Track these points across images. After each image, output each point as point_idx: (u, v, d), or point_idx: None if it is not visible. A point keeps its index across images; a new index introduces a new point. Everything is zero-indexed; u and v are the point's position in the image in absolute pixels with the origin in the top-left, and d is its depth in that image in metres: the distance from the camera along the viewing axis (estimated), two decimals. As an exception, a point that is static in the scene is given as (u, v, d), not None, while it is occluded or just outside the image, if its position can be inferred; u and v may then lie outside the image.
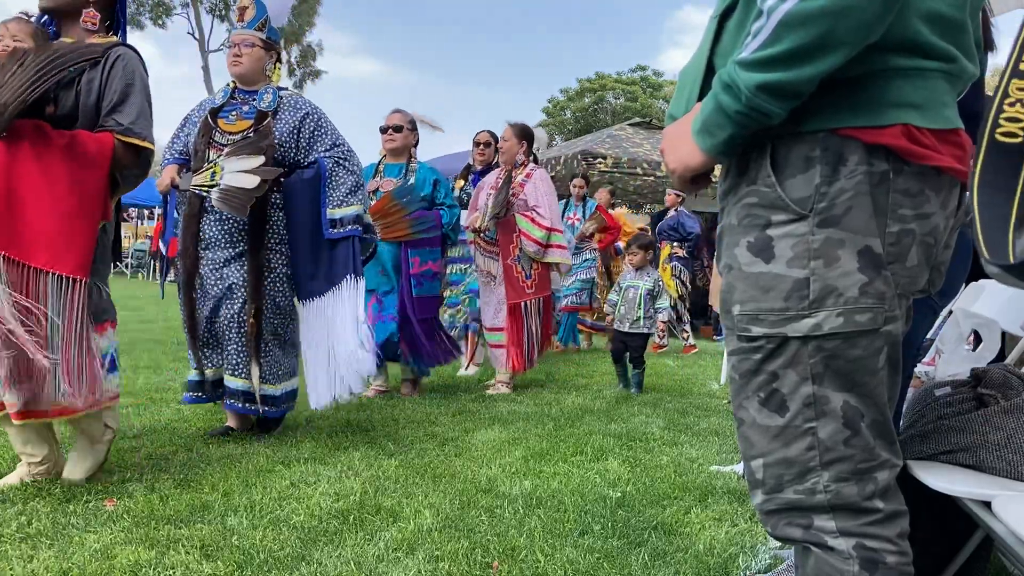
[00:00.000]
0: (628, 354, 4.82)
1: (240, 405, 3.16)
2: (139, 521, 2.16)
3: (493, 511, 2.34)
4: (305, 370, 3.18)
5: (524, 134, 4.71)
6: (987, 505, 1.35)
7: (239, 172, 2.96)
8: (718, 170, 1.19)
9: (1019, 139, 0.78)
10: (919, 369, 2.49)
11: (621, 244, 7.44)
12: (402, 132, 4.33)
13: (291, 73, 29.60)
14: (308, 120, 3.22)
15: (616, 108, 34.93)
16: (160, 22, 27.87)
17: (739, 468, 2.87)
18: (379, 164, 4.42)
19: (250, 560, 1.92)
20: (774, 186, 1.04)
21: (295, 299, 3.25)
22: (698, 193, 10.19)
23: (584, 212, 6.93)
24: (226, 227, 3.10)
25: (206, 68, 28.95)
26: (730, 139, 1.03)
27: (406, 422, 3.60)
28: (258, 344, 3.11)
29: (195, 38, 29.04)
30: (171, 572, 1.84)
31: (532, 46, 75.61)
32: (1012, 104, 0.79)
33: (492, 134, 5.19)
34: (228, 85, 3.31)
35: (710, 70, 1.12)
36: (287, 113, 3.21)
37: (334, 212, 3.16)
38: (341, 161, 3.22)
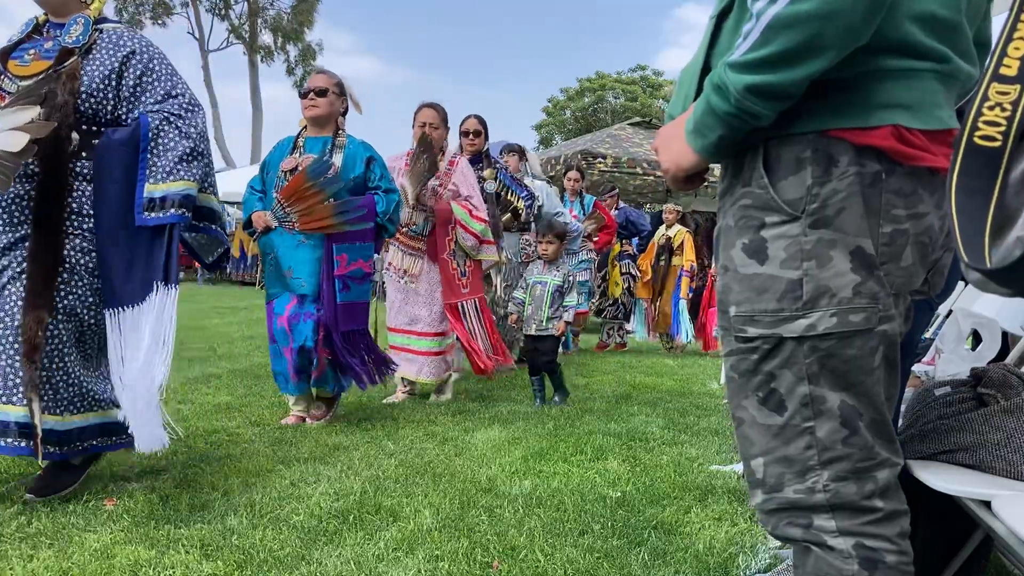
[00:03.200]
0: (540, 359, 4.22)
1: (12, 444, 2.20)
2: (139, 521, 2.16)
3: (493, 511, 2.34)
4: (121, 402, 2.32)
5: (446, 118, 4.22)
6: (987, 505, 1.35)
7: (9, 131, 2.16)
8: (717, 169, 1.19)
9: (997, 143, 0.78)
10: (919, 369, 2.49)
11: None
12: (327, 97, 3.47)
13: (290, 72, 29.63)
14: (134, 61, 2.36)
15: (616, 108, 34.93)
16: (160, 21, 27.89)
17: (739, 467, 2.87)
18: (297, 137, 3.57)
19: (250, 560, 1.92)
20: (767, 187, 1.04)
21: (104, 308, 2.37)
22: (697, 193, 10.20)
23: (582, 208, 6.51)
24: (4, 205, 2.30)
25: (206, 68, 29.00)
26: (720, 140, 1.04)
27: (406, 422, 3.60)
28: (35, 358, 2.22)
29: (195, 38, 29.08)
30: (171, 572, 1.84)
31: (532, 46, 75.73)
32: (991, 107, 0.79)
33: (481, 120, 4.83)
34: (34, 18, 2.48)
35: (707, 70, 1.13)
36: (104, 52, 2.35)
37: (154, 189, 2.30)
38: (173, 118, 2.35)
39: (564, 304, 4.22)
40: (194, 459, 2.80)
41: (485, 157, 4.86)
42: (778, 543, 2.08)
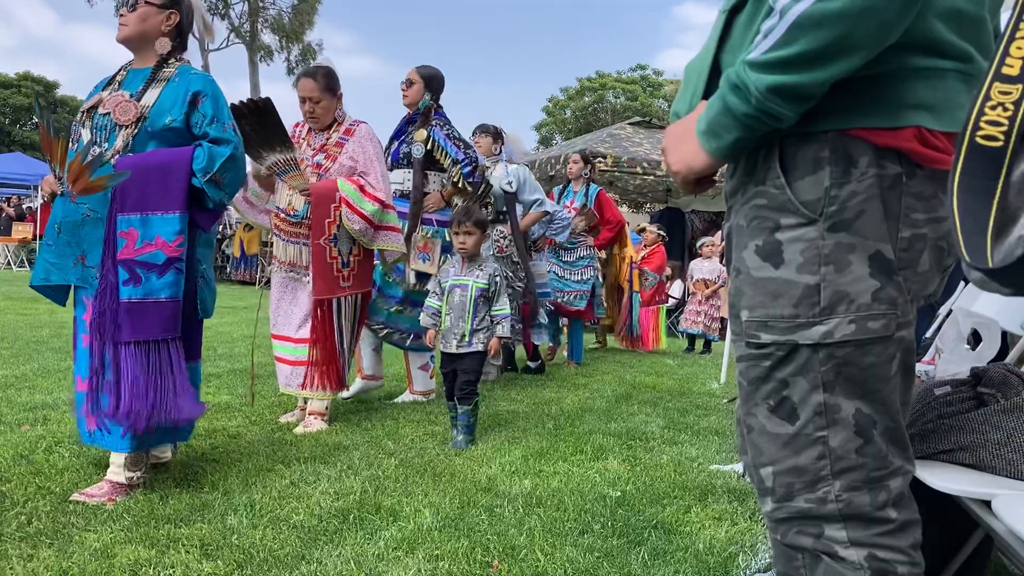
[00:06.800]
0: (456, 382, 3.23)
1: None
2: (139, 520, 2.16)
3: (493, 510, 2.34)
4: None
5: (332, 82, 3.48)
6: (987, 504, 1.35)
7: None
8: (723, 169, 1.17)
9: (999, 143, 0.78)
10: (919, 369, 2.49)
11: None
12: (137, 9, 2.48)
13: (291, 71, 29.61)
14: None
15: (616, 107, 34.97)
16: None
17: (739, 467, 2.87)
18: (119, 72, 2.56)
19: (250, 559, 1.92)
20: (783, 188, 1.01)
21: None
22: (698, 193, 10.21)
23: (586, 198, 5.94)
24: None
25: (206, 68, 28.94)
26: (736, 142, 1.00)
27: (406, 421, 3.60)
28: None
29: (195, 37, 29.00)
30: (171, 571, 1.84)
31: (532, 45, 75.81)
32: (993, 107, 0.78)
33: (422, 70, 4.11)
34: None
35: (716, 66, 1.09)
36: None
37: None
38: None
39: (492, 313, 3.27)
40: (194, 459, 2.80)
41: (423, 115, 4.09)
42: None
